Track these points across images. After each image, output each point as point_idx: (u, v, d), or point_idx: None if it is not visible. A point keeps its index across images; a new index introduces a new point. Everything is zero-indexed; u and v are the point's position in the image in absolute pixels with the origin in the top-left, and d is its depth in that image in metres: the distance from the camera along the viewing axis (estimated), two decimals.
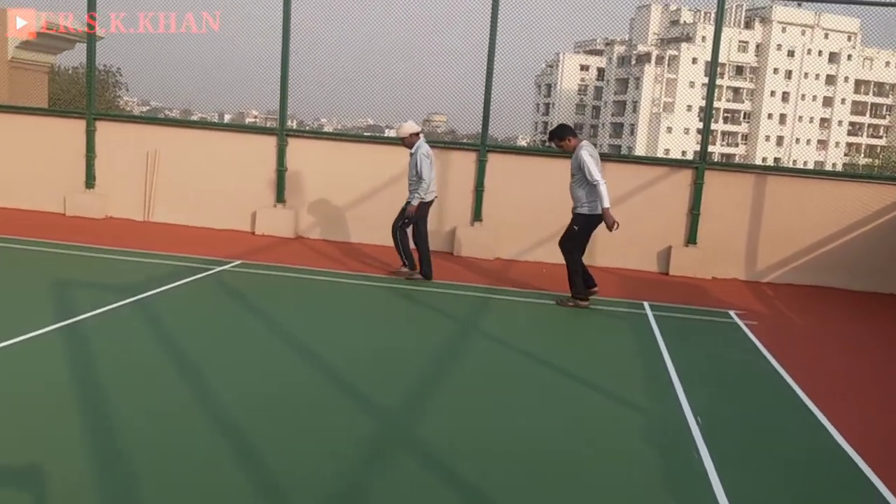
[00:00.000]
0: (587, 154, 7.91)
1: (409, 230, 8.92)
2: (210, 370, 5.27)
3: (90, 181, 11.56)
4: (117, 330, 6.10)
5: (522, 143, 13.35)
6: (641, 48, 78.97)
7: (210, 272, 8.42)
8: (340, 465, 3.97)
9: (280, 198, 11.29)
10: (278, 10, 10.92)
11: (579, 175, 7.95)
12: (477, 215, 10.92)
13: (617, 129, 76.83)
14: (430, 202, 8.92)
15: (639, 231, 10.56)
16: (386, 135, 14.22)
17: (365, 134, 12.63)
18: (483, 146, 10.82)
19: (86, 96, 11.79)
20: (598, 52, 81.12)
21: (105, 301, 6.74)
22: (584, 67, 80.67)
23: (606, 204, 7.82)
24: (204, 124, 13.14)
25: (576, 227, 8.06)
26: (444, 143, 11.62)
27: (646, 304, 8.56)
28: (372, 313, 7.55)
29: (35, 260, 8.60)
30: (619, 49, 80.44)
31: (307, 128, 11.91)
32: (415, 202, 8.68)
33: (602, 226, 7.99)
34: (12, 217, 10.98)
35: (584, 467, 4.27)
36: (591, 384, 5.73)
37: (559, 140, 8.20)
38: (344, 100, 11.66)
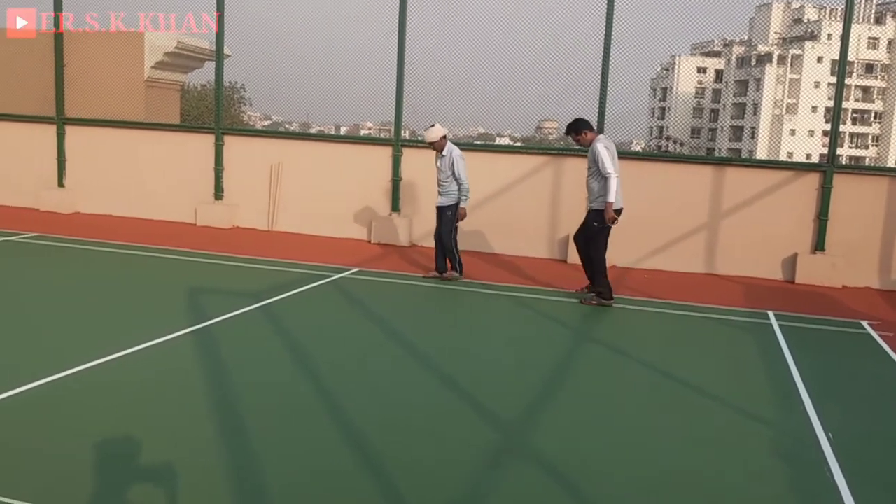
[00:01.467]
0: (603, 147, 7.91)
1: (437, 228, 9.00)
2: (332, 375, 5.43)
3: (218, 193, 12.15)
4: (246, 334, 6.38)
5: (637, 148, 13.12)
6: (762, 48, 75.93)
7: (329, 279, 8.69)
8: (459, 473, 4.01)
9: (395, 207, 11.52)
10: (393, 21, 11.19)
11: (595, 168, 7.96)
12: None
13: (736, 132, 74.06)
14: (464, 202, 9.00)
15: (762, 237, 10.18)
16: (497, 143, 14.30)
17: (476, 142, 12.70)
18: None
19: (214, 112, 12.42)
20: (716, 54, 78.52)
21: (234, 306, 7.07)
22: (701, 70, 78.28)
23: (611, 198, 7.79)
24: (322, 136, 13.57)
25: (595, 224, 8.03)
26: (557, 149, 11.55)
27: (770, 313, 8.22)
28: (486, 321, 7.59)
29: (169, 267, 9.11)
30: (738, 50, 77.62)
31: (418, 137, 12.08)
32: (464, 204, 8.88)
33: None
34: (148, 227, 11.68)
35: (709, 483, 4.14)
36: (714, 397, 5.55)
37: (576, 134, 8.18)
38: (455, 109, 11.75)
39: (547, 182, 10.98)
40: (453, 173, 8.81)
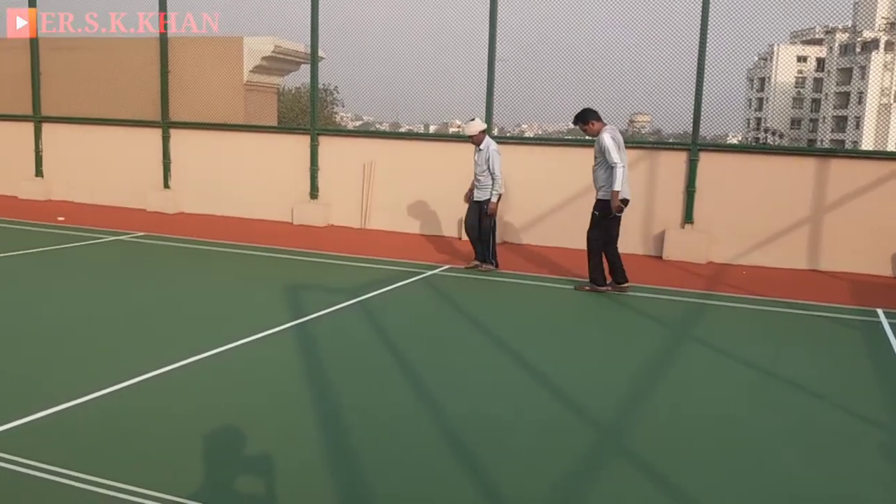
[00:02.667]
0: (609, 137, 7.93)
1: (477, 223, 9.15)
2: (424, 369, 5.49)
3: (314, 192, 12.46)
4: (343, 329, 6.52)
5: (733, 140, 12.71)
6: (867, 34, 72.35)
7: (421, 276, 8.78)
8: (555, 471, 3.99)
9: None
10: (483, 17, 11.22)
11: (601, 158, 8.00)
12: (688, 217, 10.55)
13: (840, 122, 70.84)
14: (500, 196, 9.18)
15: (869, 232, 9.72)
16: (587, 138, 14.10)
17: (566, 137, 12.58)
18: (694, 145, 10.44)
19: (308, 114, 12.73)
20: (818, 42, 75.29)
21: (331, 302, 7.24)
22: (801, 58, 75.20)
23: (617, 187, 7.85)
24: (412, 135, 13.71)
25: (596, 213, 8.15)
26: (651, 143, 11.33)
27: (880, 311, 7.85)
28: (579, 317, 7.52)
29: (269, 265, 9.40)
30: (841, 37, 74.23)
31: (508, 134, 12.08)
32: (494, 198, 9.01)
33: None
34: (248, 226, 12.08)
35: (820, 488, 3.99)
36: (821, 397, 5.34)
37: (583, 124, 8.19)
38: (545, 104, 11.67)
39: (640, 177, 10.77)
40: (489, 168, 8.94)
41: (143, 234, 10.99)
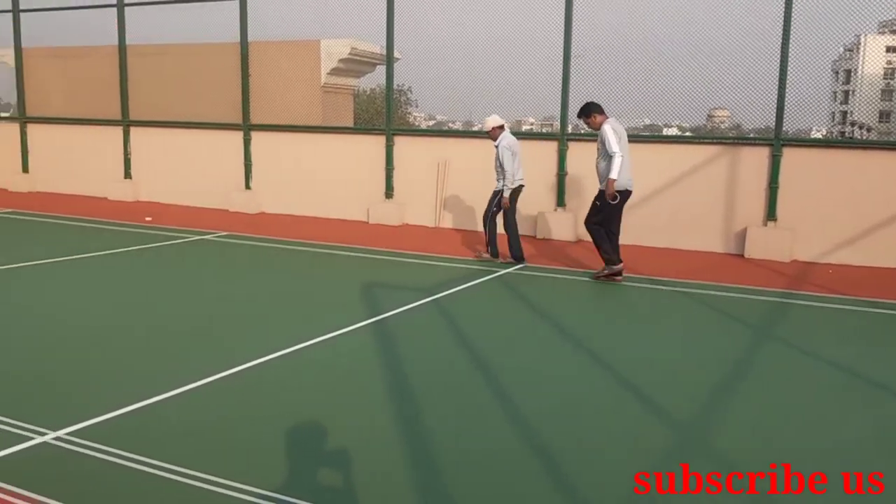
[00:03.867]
0: (609, 128, 8.14)
1: (499, 218, 9.45)
2: (501, 366, 5.51)
3: (389, 192, 12.62)
4: (420, 326, 6.60)
5: (817, 135, 12.29)
6: None
7: (496, 275, 8.80)
8: (633, 470, 3.96)
9: (561, 202, 11.49)
10: (559, 13, 11.18)
11: (603, 150, 8.21)
12: (771, 214, 10.27)
13: None
14: (519, 189, 9.34)
15: None
16: (665, 134, 13.87)
17: (643, 133, 12.40)
18: (777, 140, 10.16)
19: (383, 114, 12.90)
20: None
21: (407, 300, 7.34)
22: (890, 49, 72.03)
23: (613, 175, 8.06)
24: (485, 134, 13.73)
25: (597, 203, 8.37)
26: (731, 139, 11.06)
27: None
28: (658, 316, 7.41)
29: (346, 263, 9.57)
30: None
31: (582, 131, 11.97)
32: (506, 193, 9.21)
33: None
34: (325, 226, 12.32)
35: None
36: None
37: (585, 118, 8.42)
38: (621, 100, 11.52)
39: (720, 173, 10.55)
40: (500, 163, 9.25)
41: (226, 233, 11.33)
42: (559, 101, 11.41)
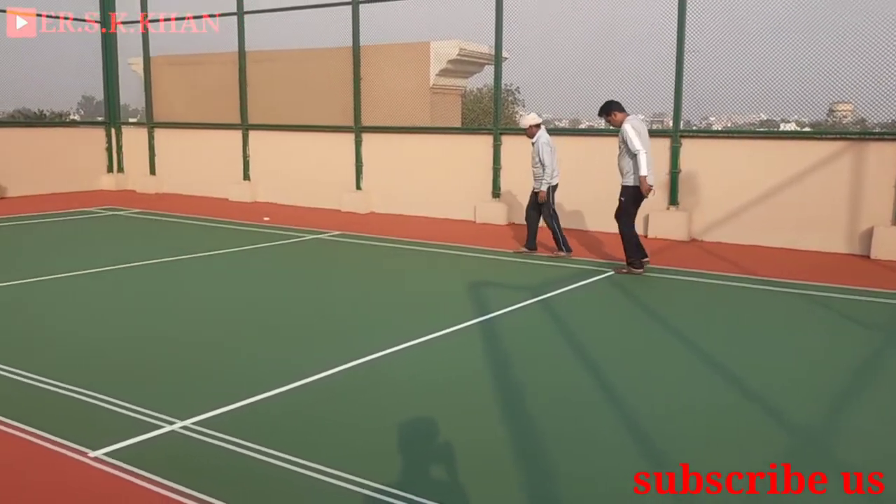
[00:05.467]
0: (630, 126, 8.29)
1: (535, 211, 9.77)
2: (610, 369, 5.45)
3: (496, 191, 12.65)
4: (527, 326, 6.60)
5: None
6: None
7: (605, 275, 8.68)
8: (752, 481, 3.84)
9: (674, 200, 11.22)
10: (672, 7, 10.94)
11: (625, 147, 8.36)
12: None
13: None
14: (555, 186, 9.65)
15: None
16: (782, 129, 13.32)
17: (759, 129, 11.95)
18: None
19: (490, 114, 12.94)
20: None
21: (515, 300, 7.35)
22: None
23: (643, 172, 8.24)
24: (592, 132, 13.56)
25: (622, 199, 8.56)
26: (855, 134, 10.51)
27: None
28: (774, 319, 7.12)
29: (454, 262, 9.66)
30: None
31: (694, 127, 11.66)
32: (543, 188, 9.50)
33: None
34: (433, 225, 12.48)
35: None
36: None
37: (606, 115, 8.60)
38: (735, 95, 11.14)
39: (843, 170, 10.05)
40: (539, 160, 9.46)
41: (338, 232, 11.65)
42: (672, 98, 11.14)
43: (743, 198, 10.72)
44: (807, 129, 11.77)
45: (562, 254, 9.67)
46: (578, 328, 6.51)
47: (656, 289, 8.24)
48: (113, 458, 3.87)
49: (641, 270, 8.64)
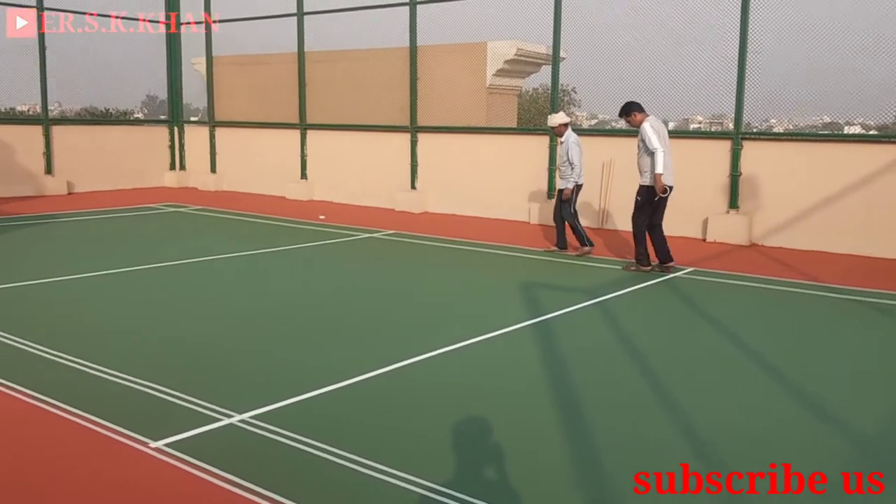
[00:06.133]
0: (649, 126, 8.45)
1: (558, 209, 9.91)
2: (667, 373, 5.36)
3: (551, 193, 12.57)
4: (583, 329, 6.54)
5: None
6: None
7: (664, 278, 8.55)
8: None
9: (733, 203, 11.00)
10: (735, 7, 10.74)
11: (643, 146, 8.51)
12: None
13: None
14: (580, 185, 9.80)
15: None
16: (846, 132, 12.95)
17: (821, 132, 11.63)
18: None
19: (546, 114, 12.85)
20: None
21: (570, 302, 7.29)
22: None
23: (659, 170, 8.35)
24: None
25: (638, 198, 8.68)
26: None
27: None
28: (840, 327, 6.92)
29: (510, 263, 9.63)
30: None
31: (755, 129, 11.40)
32: (570, 185, 9.63)
33: None
34: (488, 225, 12.46)
35: None
36: None
37: (627, 116, 8.73)
38: (799, 97, 10.86)
39: None
40: (568, 158, 9.59)
41: (392, 231, 11.72)
42: (733, 99, 10.92)
43: (805, 202, 10.45)
44: (873, 132, 11.42)
45: (586, 249, 9.77)
46: (635, 331, 6.43)
47: (715, 293, 8.08)
48: (172, 448, 3.96)
49: (649, 268, 8.78)
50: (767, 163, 10.79)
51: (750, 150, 10.88)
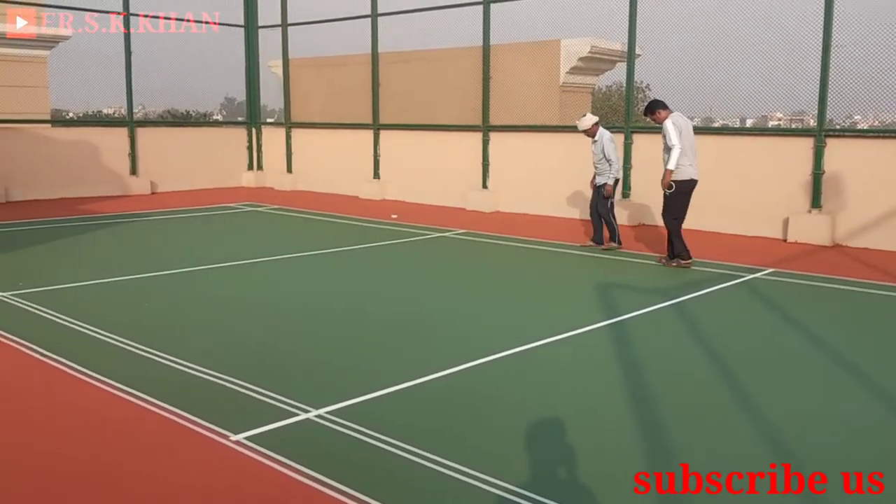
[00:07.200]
0: (671, 123, 8.63)
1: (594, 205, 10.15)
2: (746, 377, 5.23)
3: (626, 191, 12.41)
4: (659, 330, 6.44)
5: None
6: None
7: (741, 279, 8.35)
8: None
9: (816, 203, 10.65)
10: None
11: (665, 143, 8.68)
12: None
13: None
14: (618, 180, 10.10)
15: None
16: None
17: None
18: None
19: (619, 112, 12.69)
20: None
21: (646, 303, 7.19)
22: None
23: (670, 166, 8.59)
24: (728, 130, 13.07)
25: (667, 193, 8.81)
26: None
27: None
28: None
29: (583, 263, 9.56)
30: None
31: (837, 127, 11.00)
32: (610, 181, 9.84)
33: None
34: (560, 225, 12.36)
35: None
36: None
37: (651, 114, 8.91)
38: (885, 93, 10.45)
39: None
40: (605, 155, 9.73)
41: (463, 231, 11.75)
42: (816, 95, 10.58)
43: (892, 201, 10.04)
44: None
45: (613, 244, 10.05)
46: (713, 334, 6.29)
47: (796, 295, 7.85)
48: (252, 441, 4.07)
49: (689, 262, 8.92)
50: (852, 160, 10.42)
51: (833, 147, 10.52)
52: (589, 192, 10.54)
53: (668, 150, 8.68)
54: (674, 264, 8.97)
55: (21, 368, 5.33)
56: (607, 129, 10.36)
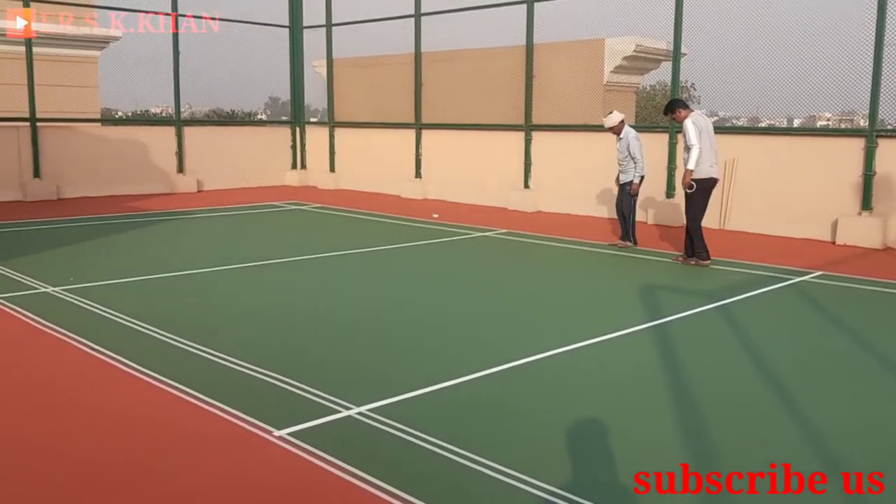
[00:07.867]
0: (690, 122, 8.65)
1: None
2: (793, 381, 5.14)
3: (670, 191, 12.26)
4: (703, 333, 6.35)
5: None
6: None
7: (789, 282, 8.19)
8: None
9: (867, 205, 10.40)
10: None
11: (685, 143, 8.72)
12: None
13: None
14: (643, 177, 10.08)
15: None
16: None
17: None
18: None
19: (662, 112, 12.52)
20: None
21: (689, 305, 7.09)
22: None
23: (690, 166, 8.61)
24: (773, 130, 12.85)
25: (688, 191, 8.81)
26: None
27: None
28: None
29: (625, 264, 9.47)
30: None
31: (889, 126, 10.73)
32: (637, 180, 9.95)
33: None
34: (602, 225, 12.26)
35: None
36: None
37: (671, 114, 9.00)
38: None
39: None
40: (630, 153, 9.82)
41: (505, 230, 11.72)
42: (868, 94, 10.33)
43: None
44: None
45: (629, 243, 10.16)
46: (758, 337, 6.18)
47: (845, 299, 7.67)
48: (294, 437, 4.10)
49: (694, 262, 8.95)
50: None
51: (885, 148, 10.26)
52: (615, 191, 10.53)
53: (687, 149, 8.71)
54: (692, 262, 8.97)
55: (69, 362, 5.45)
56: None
